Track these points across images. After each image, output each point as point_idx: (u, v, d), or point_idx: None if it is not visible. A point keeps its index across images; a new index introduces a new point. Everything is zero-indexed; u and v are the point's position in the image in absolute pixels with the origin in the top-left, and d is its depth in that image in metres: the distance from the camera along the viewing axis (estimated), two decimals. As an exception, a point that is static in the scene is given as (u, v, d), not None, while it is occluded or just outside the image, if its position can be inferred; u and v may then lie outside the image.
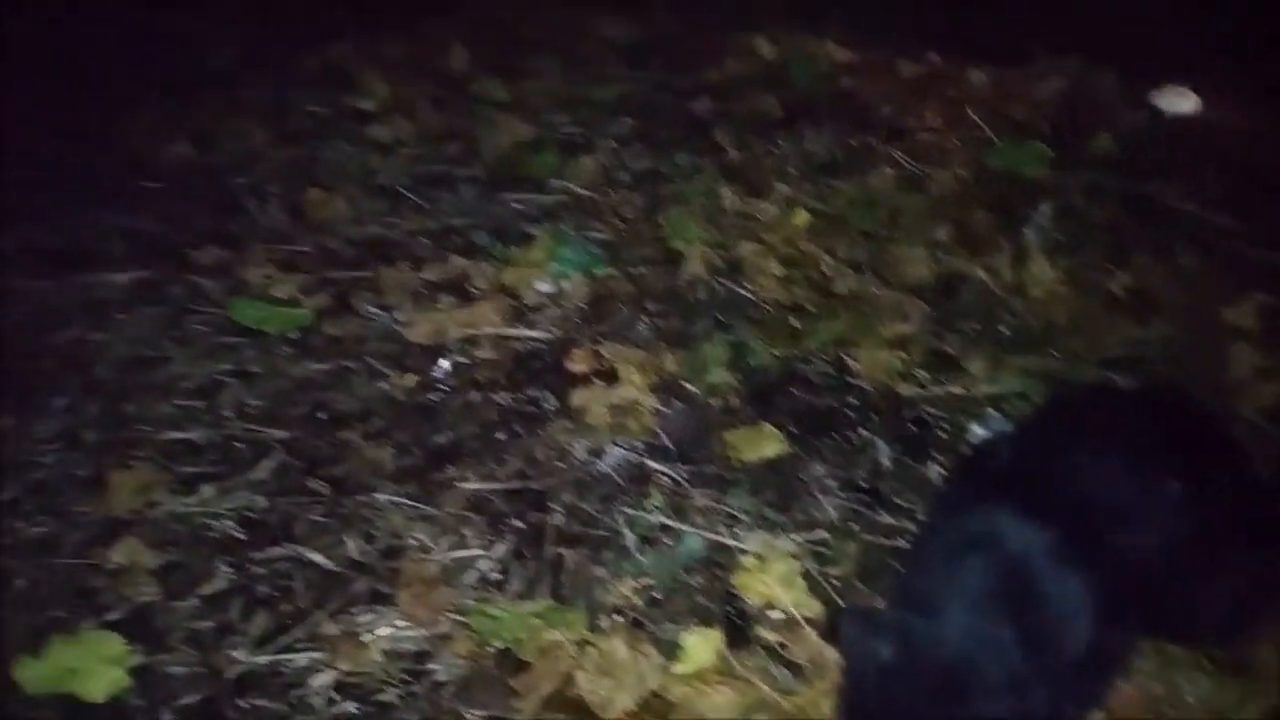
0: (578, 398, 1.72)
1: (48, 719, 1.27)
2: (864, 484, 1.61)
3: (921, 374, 1.79)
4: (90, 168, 2.20)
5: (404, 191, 2.16)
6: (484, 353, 1.82)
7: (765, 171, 2.23)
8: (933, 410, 1.73)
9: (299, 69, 2.56)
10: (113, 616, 1.38)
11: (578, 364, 1.78)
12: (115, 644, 1.33)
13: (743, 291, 1.95)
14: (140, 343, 1.79)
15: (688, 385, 1.77)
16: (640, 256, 2.02)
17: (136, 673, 1.31)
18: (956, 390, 1.77)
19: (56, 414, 1.66)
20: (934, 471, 1.64)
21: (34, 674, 1.29)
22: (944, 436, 1.70)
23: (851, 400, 1.75)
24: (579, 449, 1.66)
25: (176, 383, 1.72)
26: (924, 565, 1.19)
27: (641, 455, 1.64)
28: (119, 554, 1.45)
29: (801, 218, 2.09)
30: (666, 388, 1.76)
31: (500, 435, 1.68)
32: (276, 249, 2.01)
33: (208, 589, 1.43)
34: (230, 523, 1.52)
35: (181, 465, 1.59)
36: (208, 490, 1.56)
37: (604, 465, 1.63)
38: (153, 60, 2.54)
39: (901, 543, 1.52)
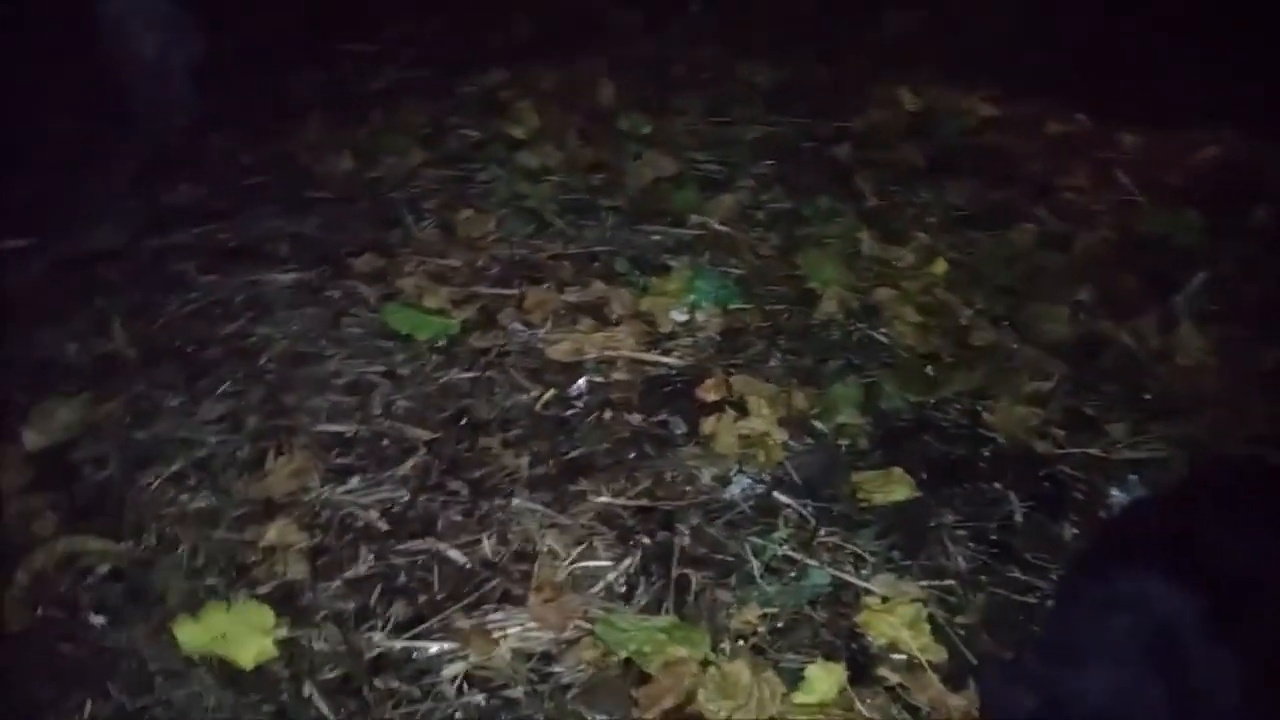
0: (707, 425, 1.75)
1: (200, 677, 1.35)
2: (994, 537, 1.59)
3: (1058, 433, 1.77)
4: (262, 174, 2.36)
5: (550, 216, 2.25)
6: (619, 374, 1.87)
7: (905, 219, 2.24)
8: (1069, 470, 1.70)
9: (456, 95, 2.70)
10: (263, 590, 1.46)
11: (709, 393, 1.82)
12: (265, 615, 1.41)
13: (878, 336, 1.95)
14: (301, 339, 1.90)
15: (817, 423, 1.78)
16: (775, 294, 2.05)
17: (283, 644, 1.38)
18: (1094, 452, 1.74)
19: (222, 398, 1.77)
20: (1068, 531, 1.60)
21: (190, 634, 1.37)
22: (1079, 497, 1.66)
23: (985, 453, 1.73)
24: (706, 475, 1.68)
25: (332, 379, 1.82)
26: (1069, 621, 1.17)
27: (769, 487, 1.66)
28: (273, 533, 1.53)
29: (940, 267, 2.09)
30: (796, 423, 1.77)
31: (631, 454, 1.72)
32: (428, 261, 2.11)
33: (351, 573, 1.50)
34: (375, 514, 1.59)
35: (333, 456, 1.68)
36: (356, 481, 1.64)
37: (731, 493, 1.65)
38: (323, 79, 2.73)
39: (1031, 599, 1.49)
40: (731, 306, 2.00)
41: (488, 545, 1.55)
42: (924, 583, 1.50)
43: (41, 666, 1.35)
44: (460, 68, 2.81)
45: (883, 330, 1.97)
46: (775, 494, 1.64)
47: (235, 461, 1.65)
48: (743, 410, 1.77)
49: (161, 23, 2.52)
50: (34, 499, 1.55)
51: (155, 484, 1.60)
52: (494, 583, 1.50)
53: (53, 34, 2.57)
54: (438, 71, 2.79)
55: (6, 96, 2.53)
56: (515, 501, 1.62)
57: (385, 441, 1.72)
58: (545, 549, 1.54)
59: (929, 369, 1.89)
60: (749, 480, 1.67)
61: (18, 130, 2.44)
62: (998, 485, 1.68)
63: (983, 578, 1.52)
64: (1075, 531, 1.60)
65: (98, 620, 1.40)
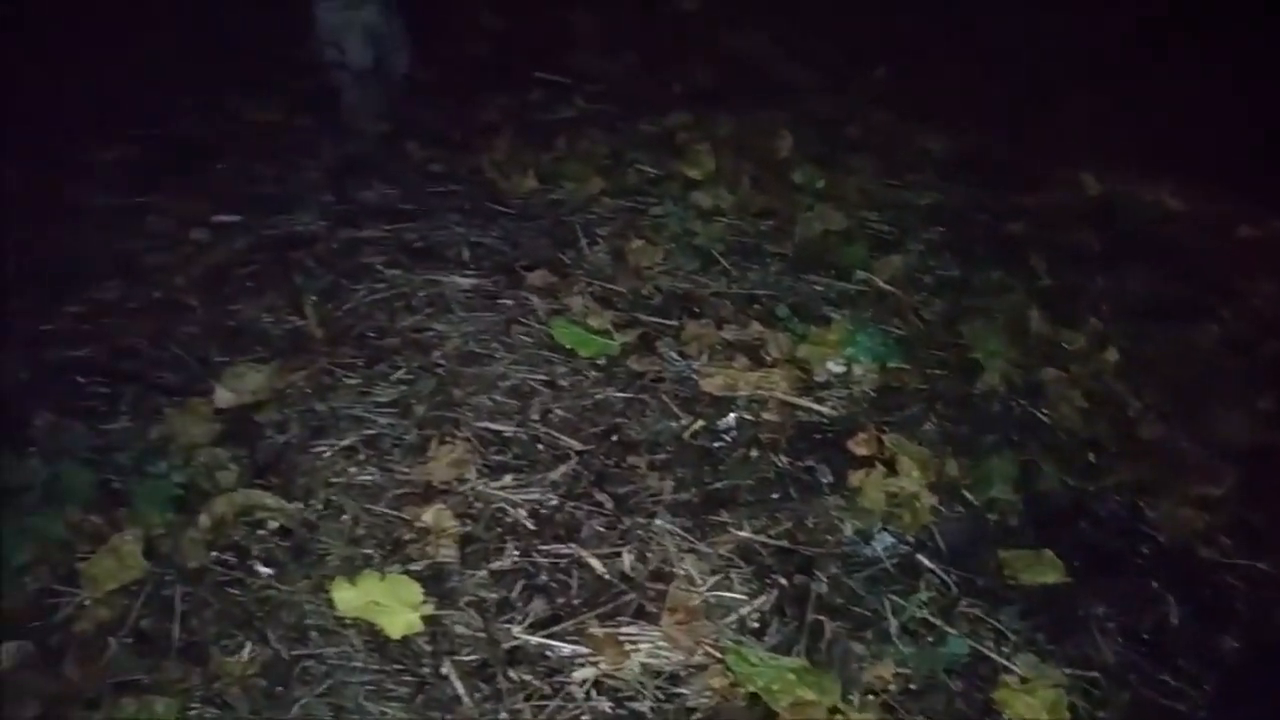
0: (855, 478, 1.75)
1: (351, 638, 1.42)
2: (1147, 636, 1.53)
3: (1225, 541, 1.69)
4: (451, 184, 2.50)
5: (717, 255, 2.29)
6: (770, 415, 1.88)
7: (1078, 303, 2.19)
8: (1234, 581, 1.62)
9: (637, 131, 2.79)
10: (415, 567, 1.53)
11: (860, 446, 1.81)
12: (415, 591, 1.48)
13: (1039, 415, 1.91)
14: (473, 339, 1.99)
15: (968, 494, 1.75)
16: (935, 358, 2.04)
17: (428, 621, 1.45)
18: (1263, 567, 1.65)
19: (395, 384, 1.87)
20: (1227, 644, 1.52)
21: (345, 597, 1.45)
22: (1243, 611, 1.58)
23: (1143, 549, 1.67)
24: (849, 527, 1.68)
25: (498, 380, 1.90)
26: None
27: (913, 549, 1.64)
28: (429, 515, 1.61)
29: (1112, 355, 2.04)
30: (946, 490, 1.75)
31: (774, 494, 1.73)
32: (596, 284, 2.18)
33: (496, 565, 1.56)
34: (524, 512, 1.65)
35: (491, 452, 1.75)
36: (509, 479, 1.71)
37: (874, 549, 1.64)
38: (514, 103, 2.87)
39: (1180, 706, 1.42)
40: (890, 365, 2.00)
41: (627, 560, 1.58)
42: (1068, 670, 1.45)
43: (209, 605, 1.45)
44: (643, 106, 2.90)
45: (1045, 410, 1.93)
46: (919, 556, 1.63)
47: (401, 444, 1.74)
48: (892, 469, 1.76)
49: (374, 37, 2.71)
50: (220, 451, 1.67)
51: (328, 454, 1.70)
52: (629, 597, 1.53)
53: (269, 35, 2.82)
54: (621, 107, 2.89)
55: (224, 89, 2.79)
56: (657, 522, 1.65)
57: (540, 446, 1.78)
58: (682, 572, 1.56)
59: (1091, 456, 1.84)
60: (892, 539, 1.66)
61: (235, 119, 2.68)
62: (1155, 584, 1.61)
63: (1131, 676, 1.47)
64: (1236, 645, 1.52)
65: (265, 571, 1.50)
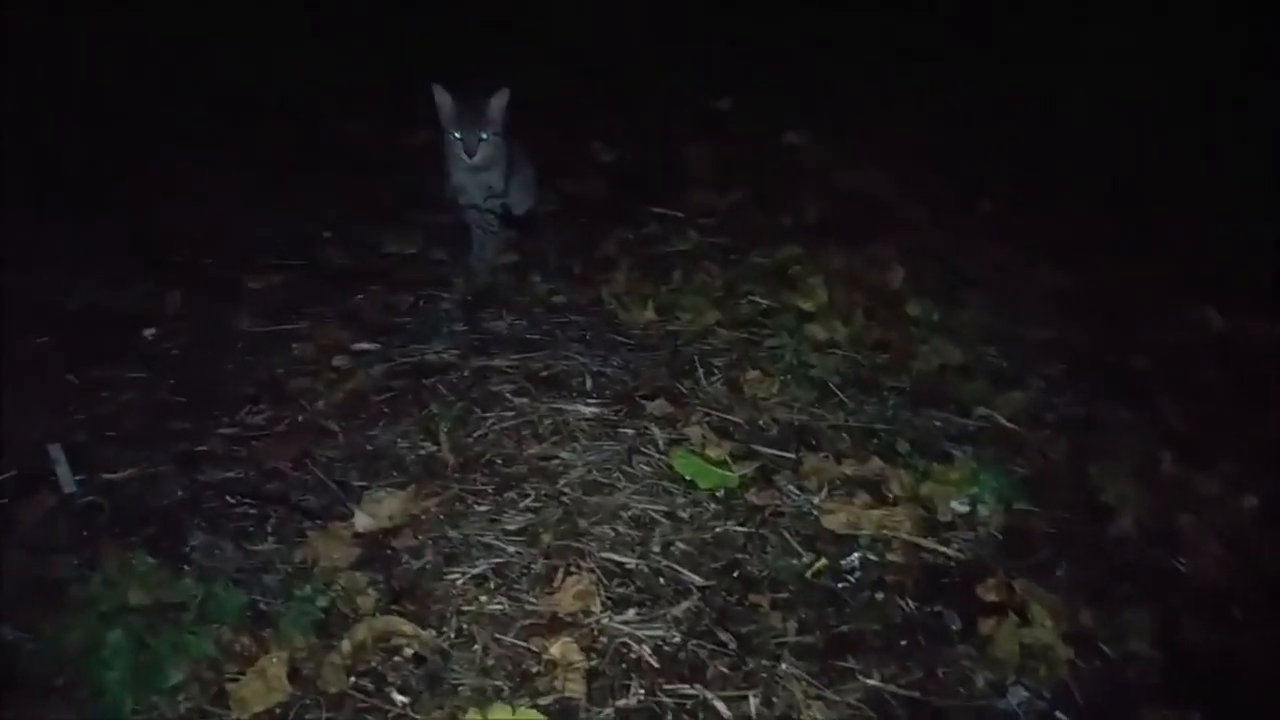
0: (985, 626, 1.71)
1: (481, 774, 1.44)
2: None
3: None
4: (573, 315, 2.60)
5: (833, 388, 2.32)
6: (894, 556, 1.87)
7: (1211, 445, 2.13)
8: None
9: (749, 264, 2.87)
10: (543, 701, 1.55)
11: (989, 593, 1.78)
12: (544, 726, 1.49)
13: (1176, 564, 1.85)
14: (596, 468, 2.04)
15: (1105, 646, 1.69)
16: (1063, 500, 2.00)
17: (558, 760, 1.45)
18: None
19: (523, 512, 1.93)
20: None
21: (478, 729, 1.47)
22: None
23: (1301, 715, 1.57)
24: (981, 678, 1.63)
25: (620, 510, 1.94)
26: None
27: (1050, 704, 1.58)
28: (556, 648, 1.63)
29: (1249, 501, 1.96)
30: (1081, 641, 1.69)
31: (903, 641, 1.70)
32: (714, 414, 2.23)
33: (622, 703, 1.56)
34: (647, 649, 1.66)
35: (614, 585, 1.78)
36: (632, 613, 1.72)
37: (1009, 702, 1.59)
38: (633, 237, 3.00)
39: None
40: (1016, 506, 1.96)
41: (753, 704, 1.57)
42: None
43: (347, 730, 1.49)
44: (754, 239, 3.00)
45: (1182, 559, 1.86)
46: (1057, 713, 1.57)
47: (529, 573, 1.78)
48: (1024, 617, 1.71)
49: (496, 191, 2.86)
50: (359, 575, 1.74)
51: (460, 581, 1.75)
52: (757, 743, 1.51)
53: (404, 172, 3.04)
54: (734, 240, 2.99)
55: (365, 223, 3.00)
56: (782, 666, 1.64)
57: (661, 580, 1.80)
58: (809, 720, 1.54)
59: (1235, 610, 1.76)
60: (1027, 693, 1.60)
61: (375, 251, 2.87)
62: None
63: None
64: None
65: (400, 699, 1.53)
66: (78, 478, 1.95)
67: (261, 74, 4.01)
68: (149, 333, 2.47)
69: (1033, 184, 3.37)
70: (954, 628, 1.72)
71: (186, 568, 1.73)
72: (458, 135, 2.58)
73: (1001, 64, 4.25)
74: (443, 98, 2.58)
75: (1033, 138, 3.75)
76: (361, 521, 1.86)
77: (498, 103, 2.59)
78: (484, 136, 2.59)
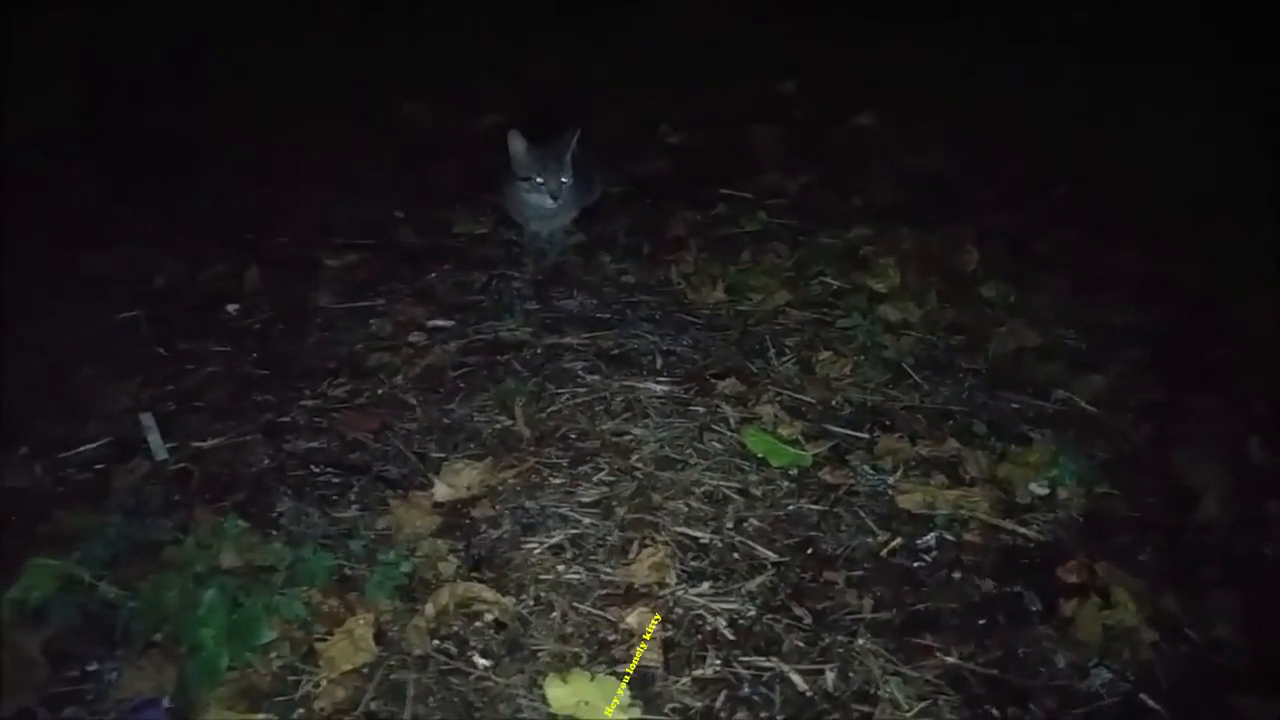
0: (1067, 608, 1.68)
1: (562, 737, 1.46)
2: None
3: None
4: (643, 295, 2.61)
5: (907, 369, 2.30)
6: (971, 536, 1.85)
7: (1300, 431, 2.07)
8: None
9: (819, 244, 2.86)
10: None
11: (1070, 574, 1.75)
12: (623, 693, 1.51)
13: (1265, 550, 1.80)
14: (668, 444, 2.05)
15: (1190, 631, 1.66)
16: (1146, 485, 1.96)
17: (635, 724, 1.47)
18: None
19: (597, 485, 1.95)
20: None
21: (558, 694, 1.50)
22: None
23: (1400, 706, 1.52)
24: (1062, 659, 1.61)
25: (693, 486, 1.95)
26: None
27: (1134, 687, 1.56)
28: (632, 618, 1.65)
29: (1344, 490, 1.90)
30: (1166, 625, 1.66)
31: (981, 620, 1.68)
32: (785, 394, 2.23)
33: (699, 673, 1.57)
34: (723, 621, 1.67)
35: (689, 558, 1.79)
36: (706, 586, 1.73)
37: (1091, 684, 1.56)
38: (701, 218, 3.00)
39: None
40: (1097, 490, 1.93)
41: (829, 677, 1.57)
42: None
43: (433, 692, 1.52)
44: (824, 220, 2.98)
45: (1270, 547, 1.82)
46: (1142, 696, 1.54)
47: (604, 544, 1.81)
48: (1107, 599, 1.68)
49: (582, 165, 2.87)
50: (440, 543, 1.78)
51: (538, 550, 1.78)
52: (834, 716, 1.51)
53: (472, 157, 3.07)
54: (803, 221, 2.98)
55: (437, 203, 3.04)
56: (859, 641, 1.63)
57: (735, 555, 1.81)
58: (887, 696, 1.54)
59: (1328, 599, 1.71)
60: (1110, 675, 1.58)
61: (447, 231, 2.91)
62: None
63: None
64: None
65: (483, 663, 1.56)
66: (168, 445, 2.02)
67: (334, 60, 4.09)
68: (232, 308, 2.54)
69: (1109, 166, 3.29)
70: (1034, 608, 1.70)
71: (274, 532, 1.79)
72: (540, 180, 2.56)
73: (1080, 57, 4.17)
74: (518, 144, 2.55)
75: (1109, 120, 3.66)
76: (441, 491, 1.90)
77: (571, 143, 2.58)
78: (565, 180, 2.58)
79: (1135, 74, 3.91)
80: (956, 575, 1.78)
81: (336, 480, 1.94)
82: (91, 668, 1.54)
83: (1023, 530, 1.86)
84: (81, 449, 2.02)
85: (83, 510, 1.83)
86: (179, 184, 3.12)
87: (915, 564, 1.81)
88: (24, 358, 2.22)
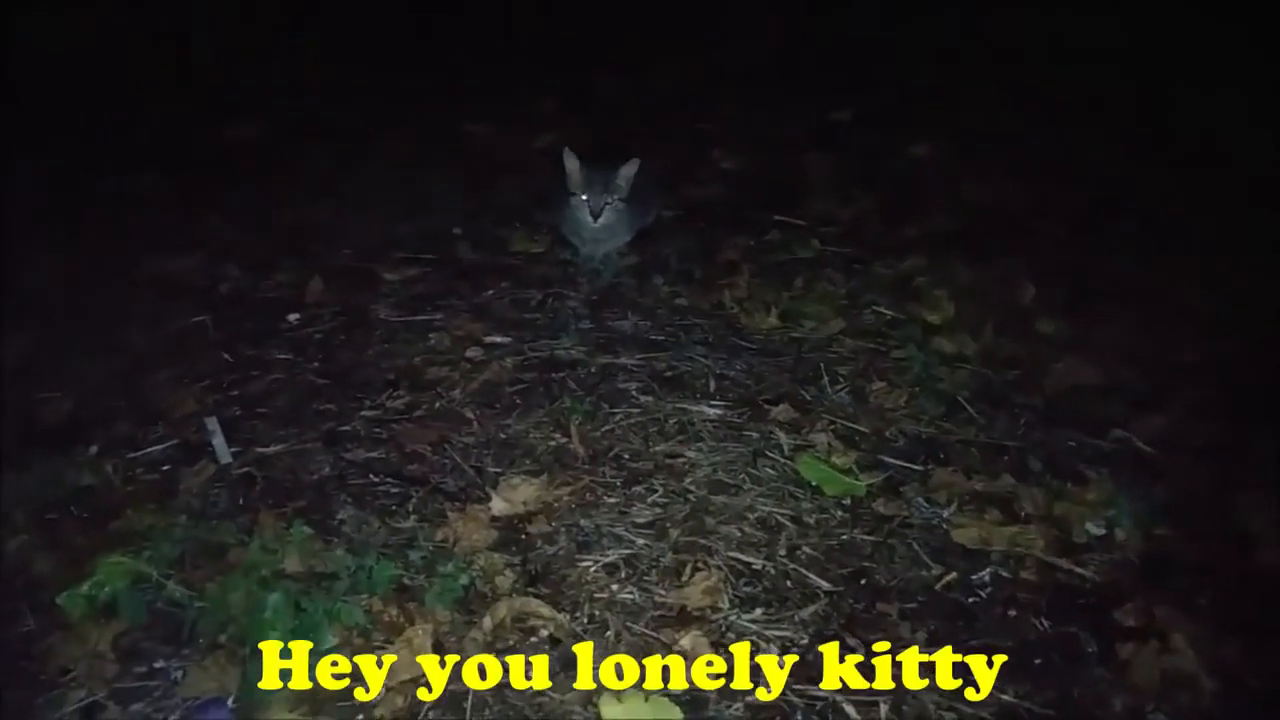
0: (1124, 650, 1.67)
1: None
2: None
3: None
4: (696, 318, 2.63)
5: (962, 402, 2.29)
6: (1027, 574, 1.84)
7: (1369, 480, 2.03)
8: None
9: (873, 274, 2.86)
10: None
11: (1127, 617, 1.73)
12: (676, 715, 1.52)
13: (1331, 601, 1.77)
14: (721, 468, 2.07)
15: (1250, 680, 1.63)
16: (1206, 528, 1.93)
17: (688, 747, 1.48)
18: None
19: (651, 506, 1.97)
20: None
21: (613, 713, 1.52)
22: None
23: None
24: (1118, 702, 1.60)
25: (746, 511, 1.96)
26: None
27: (1193, 735, 1.54)
28: (686, 640, 1.66)
29: None
30: (1226, 673, 1.63)
31: (1037, 659, 1.67)
32: (839, 423, 2.23)
33: (752, 699, 1.58)
34: (775, 648, 1.67)
35: (741, 584, 1.80)
36: (759, 613, 1.74)
37: (1149, 729, 1.54)
38: (755, 244, 3.01)
39: None
40: (1156, 531, 1.91)
41: (883, 709, 1.57)
42: None
43: (489, 705, 1.54)
44: (878, 249, 2.98)
45: (1336, 597, 1.78)
46: (1201, 745, 1.52)
47: (658, 566, 1.82)
48: (1165, 644, 1.66)
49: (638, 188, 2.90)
50: (496, 557, 1.80)
51: (593, 569, 1.80)
52: (891, 749, 1.51)
53: (530, 176, 3.12)
54: (857, 250, 2.98)
55: (495, 222, 3.09)
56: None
57: (789, 582, 1.81)
58: (941, 731, 1.53)
59: (1396, 654, 1.67)
60: (1169, 721, 1.56)
61: (504, 249, 2.96)
62: None
63: None
64: None
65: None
66: (232, 450, 2.07)
67: (396, 77, 4.17)
68: (293, 317, 2.61)
69: (1173, 199, 3.25)
70: (1090, 649, 1.69)
71: (336, 540, 1.82)
72: (584, 198, 2.62)
73: (1136, 82, 4.13)
74: (572, 163, 2.62)
75: (1174, 150, 3.62)
76: (498, 506, 1.92)
77: (627, 172, 2.63)
78: (609, 202, 2.62)
79: (1205, 104, 3.86)
80: (1012, 613, 1.76)
81: (396, 490, 1.98)
82: (159, 665, 1.58)
83: (1079, 570, 1.84)
84: (150, 449, 2.07)
85: (151, 510, 1.89)
86: (250, 195, 3.20)
87: (970, 599, 1.80)
88: (101, 359, 2.29)
